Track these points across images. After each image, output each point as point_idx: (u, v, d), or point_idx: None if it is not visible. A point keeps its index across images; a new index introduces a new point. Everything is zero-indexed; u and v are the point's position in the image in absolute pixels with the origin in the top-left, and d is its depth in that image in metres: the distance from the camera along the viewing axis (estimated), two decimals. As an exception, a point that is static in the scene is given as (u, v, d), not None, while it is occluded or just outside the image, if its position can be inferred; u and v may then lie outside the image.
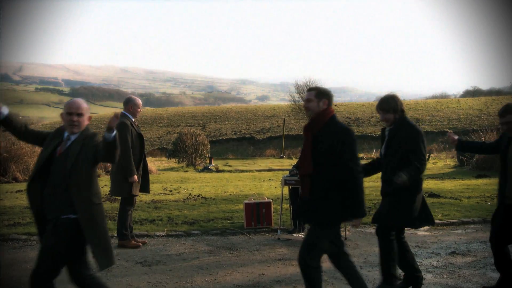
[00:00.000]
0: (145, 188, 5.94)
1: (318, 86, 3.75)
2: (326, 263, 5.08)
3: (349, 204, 3.38)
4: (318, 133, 3.44)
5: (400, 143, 3.92)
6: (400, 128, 3.97)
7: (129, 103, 5.82)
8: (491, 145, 4.68)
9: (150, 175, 6.14)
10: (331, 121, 3.49)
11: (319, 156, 3.39)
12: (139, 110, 5.85)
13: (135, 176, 5.59)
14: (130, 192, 5.64)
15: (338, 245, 3.55)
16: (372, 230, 6.77)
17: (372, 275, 4.68)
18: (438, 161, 25.25)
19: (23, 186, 11.80)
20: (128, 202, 5.75)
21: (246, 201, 6.88)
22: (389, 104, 4.01)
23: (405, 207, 3.91)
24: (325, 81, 52.83)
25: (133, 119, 5.82)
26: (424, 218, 4.04)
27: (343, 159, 3.36)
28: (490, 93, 77.35)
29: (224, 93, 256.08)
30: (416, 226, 4.13)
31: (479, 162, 16.39)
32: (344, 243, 3.62)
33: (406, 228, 6.74)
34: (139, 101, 5.89)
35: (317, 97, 3.53)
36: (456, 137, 4.59)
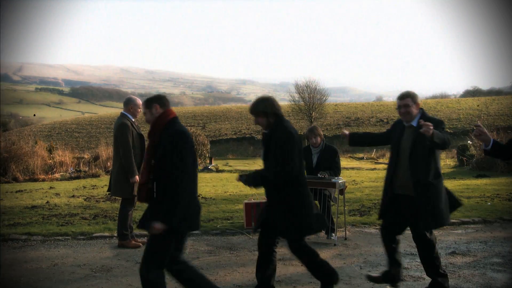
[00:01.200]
0: None
1: (154, 95, 3.47)
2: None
3: (163, 208, 3.21)
4: (158, 139, 3.35)
5: (274, 147, 3.76)
6: (274, 132, 3.80)
7: (129, 104, 5.82)
8: (383, 135, 4.57)
9: None
10: (169, 125, 3.37)
11: (158, 162, 3.31)
12: (139, 110, 5.86)
13: (137, 177, 5.59)
14: (131, 193, 5.64)
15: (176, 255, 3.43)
16: (372, 230, 6.77)
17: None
18: (438, 161, 25.25)
19: (23, 186, 11.81)
20: (128, 202, 5.75)
21: (246, 201, 6.87)
22: (257, 108, 3.86)
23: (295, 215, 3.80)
24: (325, 81, 52.83)
25: (133, 119, 5.82)
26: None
27: (170, 163, 3.23)
28: (490, 93, 77.32)
29: (224, 93, 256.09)
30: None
31: (479, 162, 16.39)
32: (181, 253, 3.48)
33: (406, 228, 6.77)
34: (140, 101, 5.89)
35: (147, 107, 3.45)
36: (347, 132, 4.53)
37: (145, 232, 6.37)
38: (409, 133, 4.07)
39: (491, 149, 3.54)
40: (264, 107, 3.83)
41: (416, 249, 5.64)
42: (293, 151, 3.70)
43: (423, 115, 4.08)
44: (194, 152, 3.36)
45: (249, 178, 3.84)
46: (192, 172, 3.31)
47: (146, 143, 5.94)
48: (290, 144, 3.69)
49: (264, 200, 6.85)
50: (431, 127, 3.60)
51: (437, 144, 3.70)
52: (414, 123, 4.04)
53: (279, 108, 3.87)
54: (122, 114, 5.83)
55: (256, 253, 5.50)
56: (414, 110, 4.07)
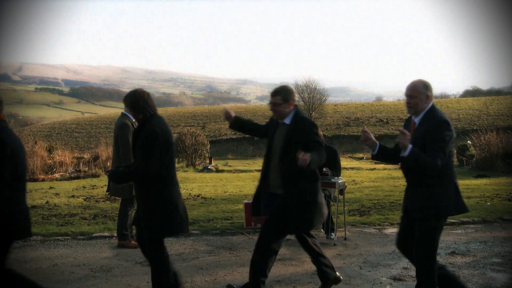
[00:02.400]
0: None
1: None
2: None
3: None
4: None
5: (140, 144, 3.63)
6: (144, 128, 3.64)
7: None
8: (262, 127, 4.35)
9: None
10: None
11: None
12: None
13: None
14: (130, 193, 5.64)
15: None
16: (372, 230, 6.77)
17: (372, 275, 4.68)
18: (438, 161, 25.30)
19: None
20: (128, 202, 5.74)
21: (246, 201, 6.88)
22: (128, 100, 3.74)
23: None
24: (325, 81, 52.83)
25: (133, 120, 5.81)
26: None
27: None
28: (490, 93, 77.33)
29: (224, 93, 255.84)
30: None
31: (479, 162, 16.40)
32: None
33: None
34: None
35: None
36: (233, 114, 4.28)
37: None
38: (281, 130, 3.93)
39: (377, 153, 3.55)
40: (132, 102, 3.69)
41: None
42: (154, 149, 3.51)
43: (297, 113, 3.91)
44: (18, 160, 3.19)
45: (112, 174, 3.67)
46: (17, 180, 3.23)
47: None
48: (153, 142, 3.51)
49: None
50: (307, 159, 3.49)
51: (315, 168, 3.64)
52: (287, 121, 3.89)
53: (151, 105, 3.71)
54: (122, 114, 5.82)
55: (256, 253, 5.52)
56: (285, 109, 3.87)
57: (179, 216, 3.66)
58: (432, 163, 3.17)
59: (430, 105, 3.42)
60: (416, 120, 3.46)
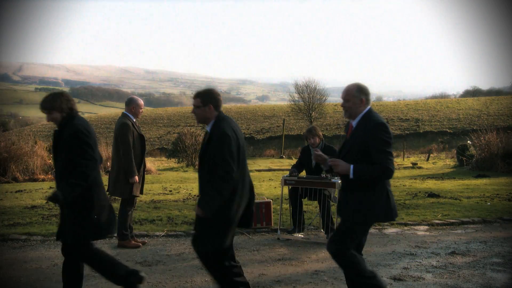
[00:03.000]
0: (140, 190, 5.96)
1: None
2: (325, 263, 5.10)
3: None
4: None
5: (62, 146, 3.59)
6: (64, 129, 3.60)
7: (131, 104, 5.83)
8: None
9: (149, 175, 6.15)
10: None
11: None
12: (140, 110, 5.86)
13: (136, 177, 5.60)
14: (130, 193, 5.64)
15: None
16: (371, 230, 6.77)
17: (371, 275, 4.67)
18: (438, 161, 25.26)
19: (22, 186, 11.80)
20: (128, 202, 5.75)
21: (246, 201, 6.86)
22: (49, 103, 3.68)
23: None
24: (325, 81, 52.85)
25: (134, 120, 5.82)
26: None
27: None
28: (490, 93, 77.33)
29: (224, 93, 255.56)
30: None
31: (479, 162, 16.39)
32: None
33: (406, 228, 6.78)
34: (141, 102, 5.89)
35: None
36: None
37: (144, 232, 6.39)
38: (205, 138, 3.73)
39: (329, 169, 3.56)
40: (60, 103, 3.64)
41: (415, 249, 5.66)
42: (89, 148, 3.49)
43: (217, 123, 3.58)
44: None
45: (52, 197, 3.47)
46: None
47: (146, 143, 5.96)
48: (82, 141, 3.48)
49: (264, 200, 6.86)
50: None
51: None
52: (208, 128, 3.63)
53: (73, 105, 3.68)
54: (123, 114, 5.83)
55: (256, 253, 5.53)
56: (204, 113, 3.63)
57: (105, 219, 3.63)
58: (381, 168, 3.22)
59: (367, 109, 3.43)
60: (353, 123, 3.46)
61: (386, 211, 3.37)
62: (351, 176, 3.25)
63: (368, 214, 3.32)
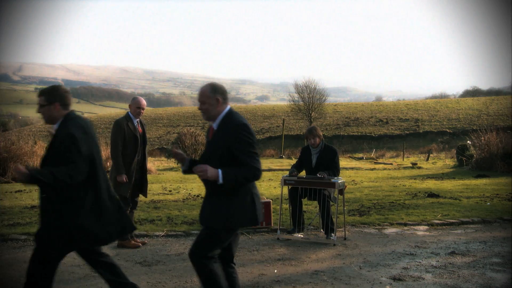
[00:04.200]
0: (142, 191, 5.96)
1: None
2: (325, 263, 5.10)
3: None
4: None
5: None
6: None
7: (130, 103, 5.87)
8: None
9: (149, 175, 6.15)
10: None
11: None
12: (140, 111, 5.83)
13: (124, 176, 5.61)
14: (126, 191, 5.66)
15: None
16: (371, 230, 6.78)
17: (371, 275, 4.68)
18: (438, 161, 25.27)
19: (22, 186, 11.80)
20: (124, 201, 5.75)
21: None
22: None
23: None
24: (325, 81, 52.89)
25: (135, 120, 5.82)
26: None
27: None
28: (490, 93, 77.38)
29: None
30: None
31: (479, 162, 16.40)
32: None
33: (406, 228, 6.78)
34: (141, 102, 5.87)
35: None
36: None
37: (144, 232, 6.39)
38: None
39: (187, 169, 3.37)
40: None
41: (415, 249, 5.67)
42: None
43: (63, 122, 3.34)
44: None
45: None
46: None
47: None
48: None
49: (264, 200, 6.87)
50: None
51: None
52: (55, 126, 3.40)
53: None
54: (125, 114, 5.92)
55: (256, 253, 5.53)
56: (51, 112, 3.39)
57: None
58: (249, 170, 3.09)
59: (226, 109, 3.27)
60: (214, 125, 3.28)
61: (252, 215, 3.21)
62: (220, 181, 3.05)
63: (230, 219, 3.14)
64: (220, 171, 3.06)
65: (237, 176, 3.09)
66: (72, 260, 5.18)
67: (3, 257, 5.28)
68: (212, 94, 3.24)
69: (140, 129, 5.88)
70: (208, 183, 3.20)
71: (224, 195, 3.16)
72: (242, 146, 3.11)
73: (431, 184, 12.29)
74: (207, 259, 3.15)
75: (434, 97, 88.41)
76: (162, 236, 6.31)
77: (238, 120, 3.19)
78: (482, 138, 16.46)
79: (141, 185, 5.92)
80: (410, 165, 22.23)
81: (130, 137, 5.73)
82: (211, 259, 3.16)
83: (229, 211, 3.15)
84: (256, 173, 3.14)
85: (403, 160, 28.11)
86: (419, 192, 10.39)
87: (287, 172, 6.53)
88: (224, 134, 3.17)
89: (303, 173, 6.59)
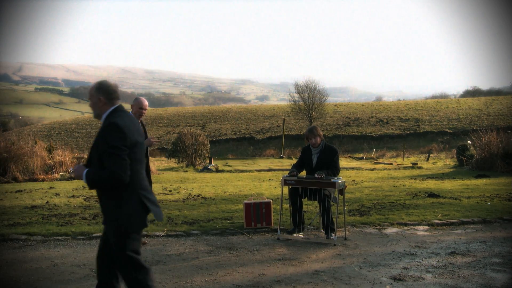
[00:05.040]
0: None
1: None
2: (325, 263, 5.10)
3: None
4: None
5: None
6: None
7: (132, 104, 5.86)
8: None
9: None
10: None
11: None
12: (142, 111, 5.79)
13: (148, 139, 5.75)
14: None
15: None
16: (372, 230, 6.78)
17: (372, 275, 4.68)
18: (438, 161, 25.27)
19: (22, 186, 11.81)
20: None
21: (246, 201, 6.88)
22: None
23: None
24: (325, 81, 52.91)
25: (137, 120, 5.80)
26: None
27: None
28: (490, 93, 77.37)
29: (224, 93, 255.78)
30: None
31: (479, 162, 16.40)
32: None
33: (406, 228, 6.78)
34: (144, 103, 5.84)
35: None
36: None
37: (144, 232, 6.39)
38: None
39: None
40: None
41: (415, 249, 5.66)
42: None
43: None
44: None
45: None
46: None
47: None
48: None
49: (264, 200, 6.87)
50: None
51: None
52: None
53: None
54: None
55: (256, 253, 5.53)
56: None
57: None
58: (108, 173, 2.98)
59: (111, 108, 3.21)
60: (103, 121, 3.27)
61: (140, 219, 3.15)
62: (84, 181, 3.04)
63: (120, 223, 3.08)
64: (84, 172, 3.04)
65: (96, 177, 3.02)
66: (72, 260, 5.18)
67: (3, 257, 5.28)
68: (96, 93, 3.24)
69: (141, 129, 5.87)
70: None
71: (108, 198, 3.10)
72: (105, 146, 3.02)
73: (431, 184, 12.28)
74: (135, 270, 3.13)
75: (434, 97, 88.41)
76: (162, 236, 6.31)
77: (110, 120, 3.11)
78: (483, 138, 16.46)
79: None
80: (411, 165, 22.23)
81: None
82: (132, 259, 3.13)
83: (116, 215, 3.08)
84: (114, 177, 2.98)
85: (403, 160, 28.11)
86: (420, 192, 10.38)
87: (287, 172, 6.53)
88: (99, 133, 3.13)
89: (303, 173, 6.59)
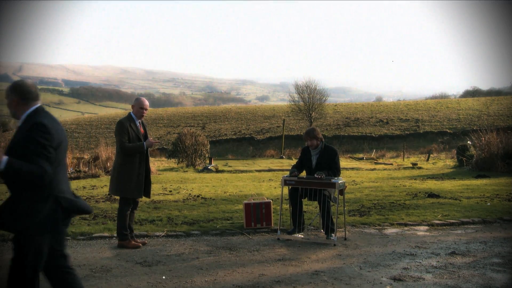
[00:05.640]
0: (146, 192, 5.95)
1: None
2: (325, 263, 5.10)
3: None
4: None
5: None
6: None
7: (133, 104, 5.86)
8: None
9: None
10: None
11: None
12: (142, 111, 5.80)
13: (151, 139, 5.82)
14: (126, 192, 5.65)
15: None
16: (372, 230, 6.78)
17: (372, 275, 4.68)
18: (438, 161, 25.27)
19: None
20: (124, 202, 5.74)
21: (246, 201, 6.88)
22: None
23: None
24: (325, 81, 52.90)
25: (137, 121, 5.81)
26: None
27: None
28: (490, 93, 77.37)
29: (224, 93, 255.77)
30: None
31: (479, 162, 16.40)
32: None
33: (406, 228, 6.78)
34: (145, 103, 5.84)
35: None
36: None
37: (144, 233, 6.39)
38: None
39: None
40: None
41: (415, 250, 5.66)
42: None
43: None
44: None
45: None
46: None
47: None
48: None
49: (264, 201, 6.87)
50: None
51: None
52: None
53: None
54: (128, 114, 5.89)
55: (256, 253, 5.53)
56: None
57: None
58: (36, 167, 2.90)
59: (31, 108, 3.13)
60: (18, 123, 3.17)
61: (53, 220, 3.06)
62: (1, 167, 2.84)
63: (32, 222, 2.99)
64: (6, 158, 2.88)
65: (23, 168, 2.89)
66: (72, 260, 5.17)
67: (3, 257, 5.27)
68: (9, 93, 3.18)
69: (142, 130, 5.87)
70: (9, 184, 3.07)
71: (18, 193, 3.01)
72: (32, 144, 2.96)
73: (431, 185, 12.28)
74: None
75: (434, 97, 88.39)
76: (162, 236, 6.31)
77: (37, 120, 3.05)
78: (483, 138, 16.46)
79: (144, 186, 5.90)
80: (411, 165, 22.23)
81: (133, 138, 5.72)
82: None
83: (27, 213, 3.00)
84: (42, 173, 2.92)
85: (403, 160, 28.11)
86: (420, 192, 10.38)
87: (287, 173, 6.53)
88: (21, 132, 3.05)
89: (303, 174, 6.59)
